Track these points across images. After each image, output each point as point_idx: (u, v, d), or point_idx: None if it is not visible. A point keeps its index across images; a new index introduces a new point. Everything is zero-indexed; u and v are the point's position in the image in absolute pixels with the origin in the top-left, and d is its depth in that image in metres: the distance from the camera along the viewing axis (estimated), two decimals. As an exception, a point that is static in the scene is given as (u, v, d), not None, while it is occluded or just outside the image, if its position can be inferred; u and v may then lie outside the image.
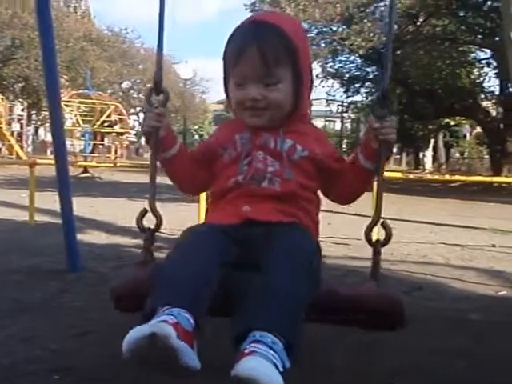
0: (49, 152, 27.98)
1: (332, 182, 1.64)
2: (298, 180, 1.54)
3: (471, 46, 21.72)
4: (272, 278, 1.28)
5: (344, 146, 27.66)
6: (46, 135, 39.06)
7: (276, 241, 1.40)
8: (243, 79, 1.53)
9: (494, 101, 24.21)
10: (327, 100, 26.46)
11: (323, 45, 19.99)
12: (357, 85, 23.44)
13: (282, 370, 1.12)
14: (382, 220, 1.60)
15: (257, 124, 1.56)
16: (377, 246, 1.62)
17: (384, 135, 1.51)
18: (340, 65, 22.38)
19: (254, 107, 1.53)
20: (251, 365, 1.06)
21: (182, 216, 7.27)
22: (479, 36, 19.70)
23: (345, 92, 23.75)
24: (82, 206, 7.22)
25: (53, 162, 3.98)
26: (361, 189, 1.67)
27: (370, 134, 1.55)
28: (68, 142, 20.86)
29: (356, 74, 22.46)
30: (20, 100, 32.86)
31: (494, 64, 20.95)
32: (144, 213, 1.65)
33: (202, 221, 5.87)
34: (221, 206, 1.57)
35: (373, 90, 25.49)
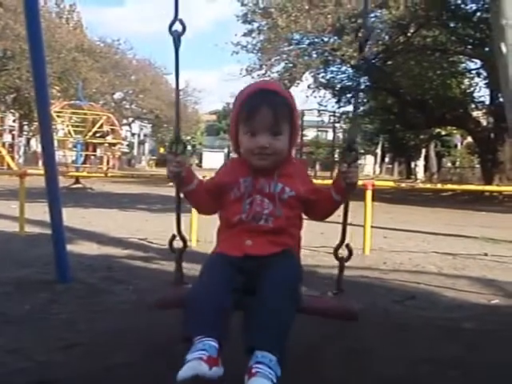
0: (40, 163, 27.87)
1: (310, 208, 2.12)
2: (285, 214, 2.02)
3: (461, 56, 21.88)
4: (268, 303, 1.76)
5: (336, 155, 27.70)
6: (37, 146, 38.86)
7: (270, 270, 1.86)
8: (255, 130, 1.98)
9: (484, 111, 24.35)
10: (319, 110, 26.48)
11: (315, 55, 20.05)
12: (348, 95, 23.45)
13: (275, 380, 1.61)
14: (346, 243, 2.09)
15: (263, 166, 2.01)
16: (342, 262, 2.10)
17: (349, 178, 1.98)
18: (332, 75, 22.39)
19: (262, 153, 1.99)
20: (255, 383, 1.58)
21: (173, 227, 7.25)
22: (469, 46, 19.84)
23: (336, 102, 23.74)
24: (73, 217, 7.18)
25: (43, 172, 3.95)
26: (330, 213, 2.14)
27: (339, 176, 2.02)
28: (60, 153, 20.82)
29: (347, 84, 22.52)
30: (12, 111, 32.76)
31: (484, 74, 21.10)
32: (173, 237, 2.15)
33: (193, 232, 5.94)
34: (228, 236, 2.05)
35: (364, 101, 25.65)
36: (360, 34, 2.17)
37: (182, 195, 2.12)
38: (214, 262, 1.98)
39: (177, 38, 2.06)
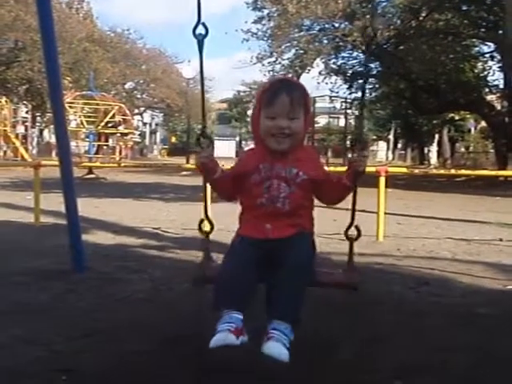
0: (54, 154, 28.04)
1: (322, 192, 2.32)
2: (299, 194, 2.25)
3: (474, 39, 21.59)
4: (284, 281, 2.04)
5: (348, 142, 27.55)
6: (50, 137, 39.11)
7: (287, 252, 2.12)
8: (275, 114, 2.21)
9: (498, 94, 24.05)
10: (331, 97, 26.33)
11: (326, 41, 19.93)
12: (360, 81, 23.34)
13: (288, 345, 1.90)
14: (355, 223, 2.31)
15: (281, 149, 2.22)
16: (351, 241, 2.32)
17: (357, 167, 2.23)
18: (343, 61, 22.27)
19: (281, 135, 2.21)
20: (270, 346, 1.88)
21: (187, 215, 7.27)
22: (482, 30, 19.59)
23: (348, 88, 23.61)
24: (87, 207, 7.23)
25: (57, 163, 3.98)
26: (341, 198, 2.34)
27: (349, 164, 2.29)
28: (73, 144, 20.92)
29: (359, 70, 22.35)
30: (24, 102, 32.90)
31: (498, 57, 20.84)
32: (201, 221, 2.43)
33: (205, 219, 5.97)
34: (251, 218, 2.29)
35: (376, 86, 25.43)
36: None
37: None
38: (240, 244, 2.25)
39: (201, 41, 2.28)
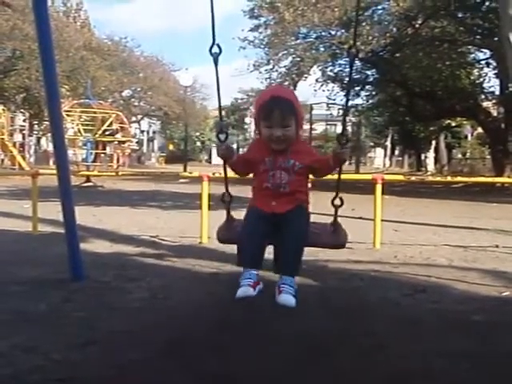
0: (51, 162, 28.05)
1: (314, 172, 3.11)
2: (297, 179, 2.98)
3: (470, 46, 21.72)
4: (287, 243, 2.82)
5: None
6: (48, 145, 39.15)
7: (289, 221, 2.87)
8: (271, 125, 2.91)
9: (494, 101, 24.18)
10: (328, 104, 26.41)
11: (322, 49, 20.02)
12: (357, 88, 23.44)
13: (294, 293, 2.70)
14: (339, 196, 2.98)
15: (279, 148, 2.94)
16: (336, 208, 2.99)
17: (342, 156, 2.88)
18: (340, 68, 22.37)
19: (278, 140, 2.91)
20: (282, 298, 2.67)
21: (185, 223, 7.28)
22: (478, 37, 19.69)
23: (345, 95, 23.77)
24: (85, 215, 7.24)
25: (55, 171, 3.99)
26: (329, 173, 3.10)
27: (335, 154, 2.90)
28: (70, 152, 20.92)
29: (356, 77, 22.44)
30: (22, 111, 32.94)
31: (494, 64, 20.96)
32: (223, 194, 3.09)
33: (204, 228, 6.01)
34: (260, 196, 3.02)
35: (373, 93, 25.53)
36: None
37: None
38: (254, 214, 2.97)
39: (216, 58, 2.82)
